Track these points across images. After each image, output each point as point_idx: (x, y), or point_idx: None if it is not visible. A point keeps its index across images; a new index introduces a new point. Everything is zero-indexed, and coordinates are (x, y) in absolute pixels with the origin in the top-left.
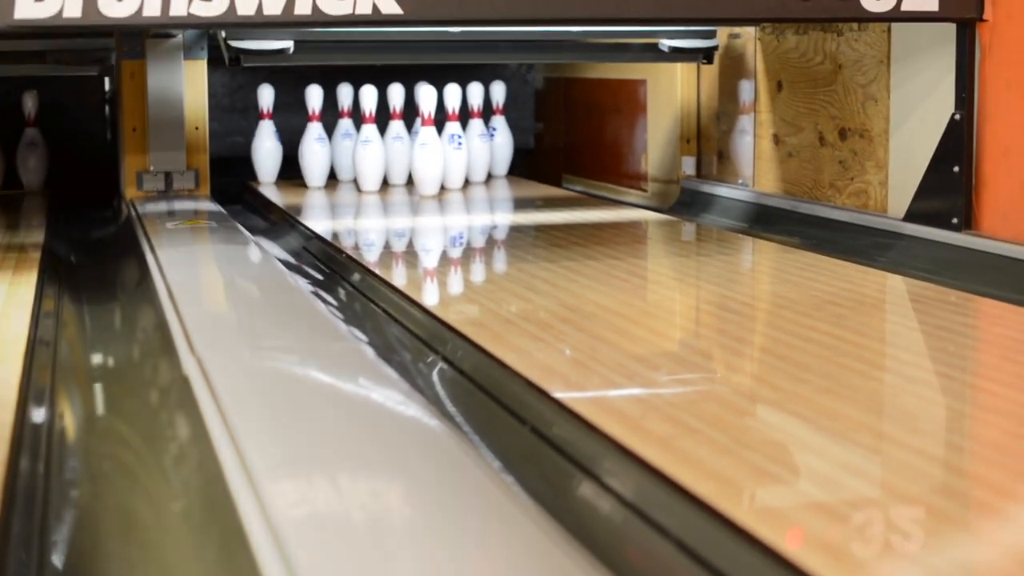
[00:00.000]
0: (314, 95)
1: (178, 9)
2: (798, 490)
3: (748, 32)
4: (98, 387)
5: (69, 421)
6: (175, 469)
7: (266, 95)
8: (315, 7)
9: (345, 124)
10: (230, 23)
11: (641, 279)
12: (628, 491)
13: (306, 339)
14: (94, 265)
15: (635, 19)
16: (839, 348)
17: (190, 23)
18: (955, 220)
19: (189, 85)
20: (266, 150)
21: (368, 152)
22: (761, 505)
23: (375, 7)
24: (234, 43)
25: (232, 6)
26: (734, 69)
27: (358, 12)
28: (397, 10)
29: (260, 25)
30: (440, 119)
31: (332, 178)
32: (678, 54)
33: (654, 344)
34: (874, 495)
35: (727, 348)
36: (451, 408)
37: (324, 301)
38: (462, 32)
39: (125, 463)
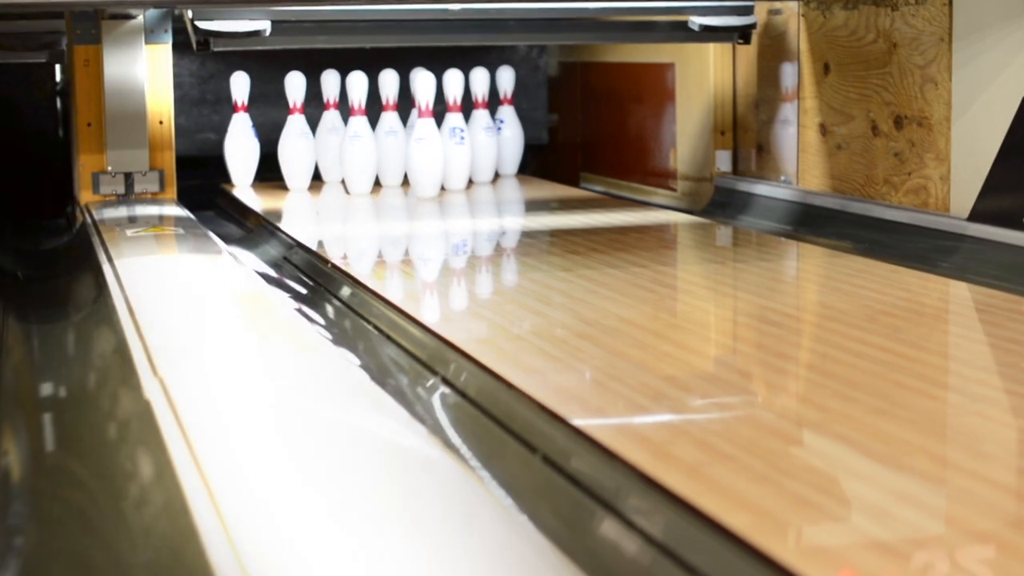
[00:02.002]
0: (295, 84)
1: None
2: (847, 524)
3: (790, 7)
4: (47, 419)
5: (14, 458)
6: (136, 513)
7: (240, 85)
8: None
9: (331, 117)
10: (197, 1)
11: (669, 289)
12: (655, 528)
13: (288, 358)
14: (44, 280)
15: None
16: (894, 364)
17: (151, 1)
18: None
19: (152, 74)
20: (241, 148)
21: (357, 149)
22: (805, 541)
23: None
24: (203, 24)
25: None
26: (774, 50)
27: None
28: None
29: (232, 3)
30: (440, 110)
31: (316, 179)
32: (710, 33)
33: (684, 362)
34: (935, 530)
35: (767, 365)
36: (454, 437)
37: (309, 319)
38: (464, 9)
39: (78, 506)
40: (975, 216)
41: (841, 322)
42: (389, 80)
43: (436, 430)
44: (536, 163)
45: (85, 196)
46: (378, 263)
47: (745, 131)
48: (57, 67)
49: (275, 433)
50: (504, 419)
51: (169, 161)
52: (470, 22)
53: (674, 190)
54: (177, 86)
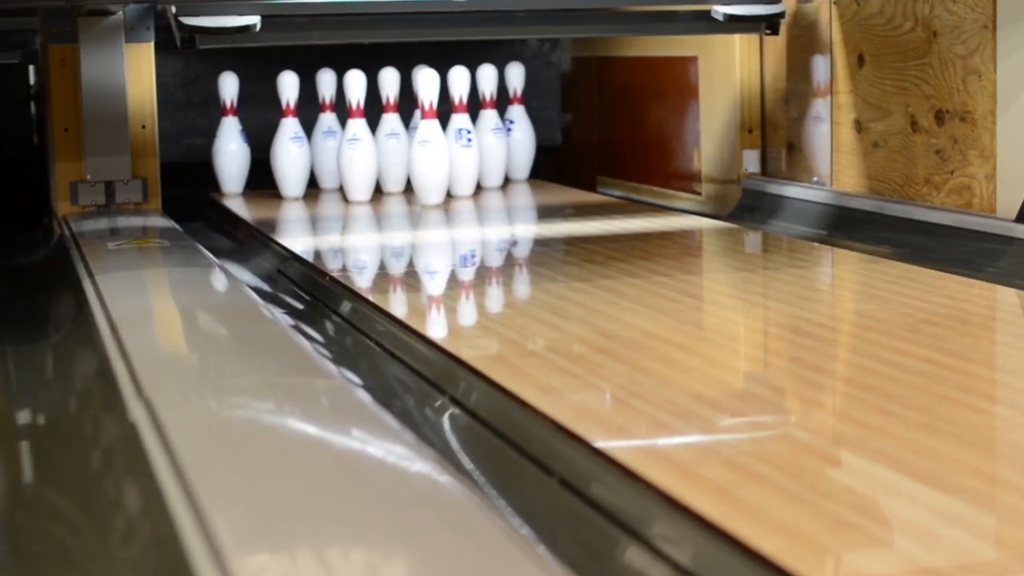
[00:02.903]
0: (288, 84)
1: None
2: (890, 548)
3: None
4: (25, 447)
5: None
6: (122, 546)
7: (229, 85)
8: None
9: (327, 119)
10: None
11: (695, 299)
12: (683, 555)
13: (284, 379)
14: (19, 297)
15: None
16: (937, 376)
17: None
18: None
19: (133, 74)
20: (230, 153)
21: (356, 153)
22: (845, 567)
23: None
24: (187, 20)
25: None
26: (805, 41)
27: None
28: None
29: None
30: (444, 111)
31: (312, 186)
32: (736, 23)
33: (711, 377)
34: (987, 553)
35: (800, 379)
36: (465, 461)
37: (307, 336)
38: (470, 1)
39: (60, 540)
40: None
41: (880, 332)
42: (389, 79)
43: (446, 454)
44: (549, 166)
45: (63, 207)
46: (380, 276)
47: (774, 129)
48: (31, 68)
49: (272, 459)
50: (519, 441)
51: (153, 169)
52: (476, 14)
53: (698, 193)
54: (160, 87)
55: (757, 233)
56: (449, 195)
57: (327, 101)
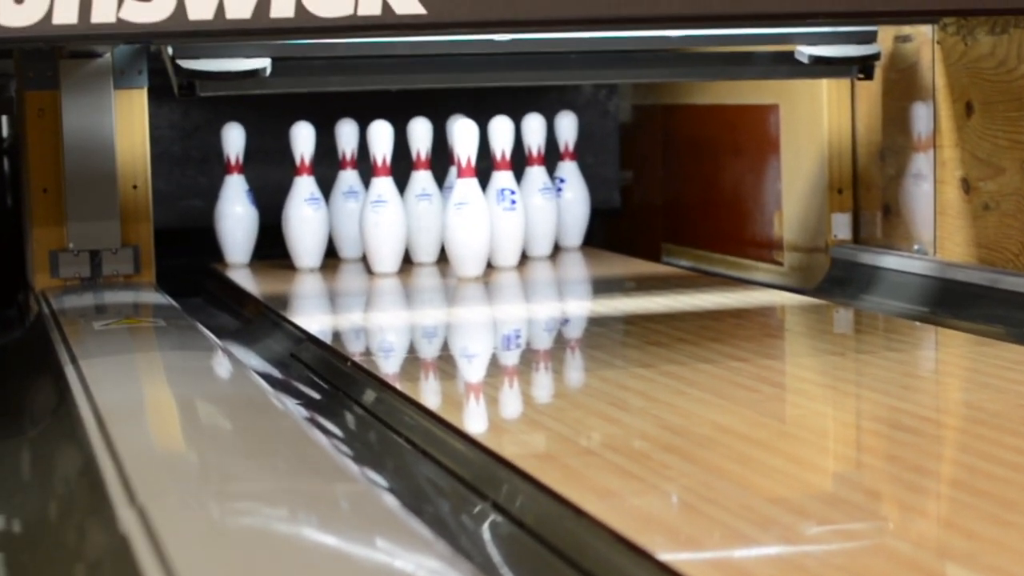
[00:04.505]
0: (303, 137)
1: (103, 14)
2: None
3: (922, 32)
4: None
5: None
6: None
7: (234, 139)
8: (300, 7)
9: (348, 178)
10: (179, 34)
11: (776, 388)
12: None
13: (298, 482)
14: None
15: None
16: None
17: (121, 34)
18: None
19: (123, 126)
20: (235, 217)
21: (382, 217)
22: None
23: (386, 6)
24: (186, 63)
25: (181, 7)
26: (903, 86)
27: (362, 13)
28: (418, 9)
29: (222, 35)
30: (484, 168)
31: (331, 256)
32: (823, 66)
33: (796, 479)
34: None
35: (900, 481)
36: None
37: (324, 431)
38: (513, 40)
39: None
40: None
41: (993, 427)
42: (420, 131)
43: (486, 568)
44: (606, 232)
45: (41, 280)
46: (409, 360)
47: (868, 189)
48: (3, 119)
49: (285, 573)
50: (572, 553)
51: (145, 236)
52: (521, 56)
53: (780, 264)
54: (155, 141)
55: (848, 310)
56: (489, 266)
57: (348, 157)
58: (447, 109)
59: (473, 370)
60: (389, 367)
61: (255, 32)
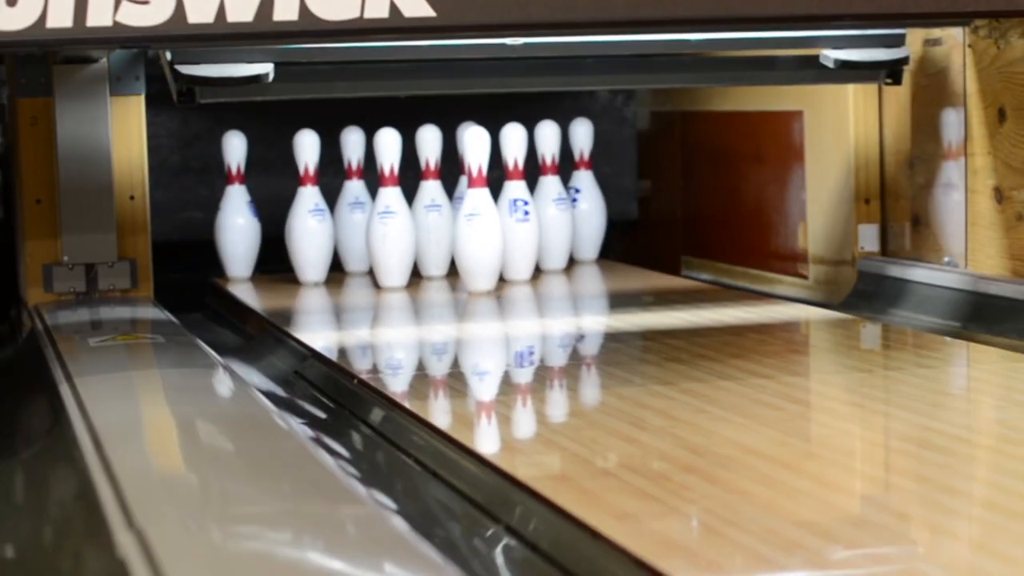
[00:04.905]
0: (307, 146)
1: (99, 17)
2: None
3: (952, 35)
4: None
5: None
6: None
7: (235, 148)
8: (304, 9)
9: (354, 188)
10: (178, 37)
11: (801, 406)
12: None
13: (303, 505)
14: None
15: (789, 18)
16: None
17: (118, 38)
18: None
19: (120, 134)
20: (237, 229)
21: (390, 229)
22: None
23: (394, 8)
24: (185, 69)
25: (180, 10)
26: (933, 92)
27: (369, 16)
28: (427, 12)
29: (223, 39)
30: (496, 177)
31: (336, 269)
32: (850, 70)
33: (823, 501)
34: None
35: (931, 504)
36: None
37: (330, 451)
38: (526, 45)
39: None
40: None
41: None
42: (430, 139)
43: None
44: (623, 244)
45: (34, 295)
46: (419, 378)
47: (896, 199)
48: None
49: None
50: None
51: (143, 249)
52: (535, 61)
53: (804, 277)
54: (153, 150)
55: (876, 325)
56: (502, 280)
57: (354, 166)
58: (457, 116)
59: (485, 388)
60: (397, 385)
61: (257, 36)
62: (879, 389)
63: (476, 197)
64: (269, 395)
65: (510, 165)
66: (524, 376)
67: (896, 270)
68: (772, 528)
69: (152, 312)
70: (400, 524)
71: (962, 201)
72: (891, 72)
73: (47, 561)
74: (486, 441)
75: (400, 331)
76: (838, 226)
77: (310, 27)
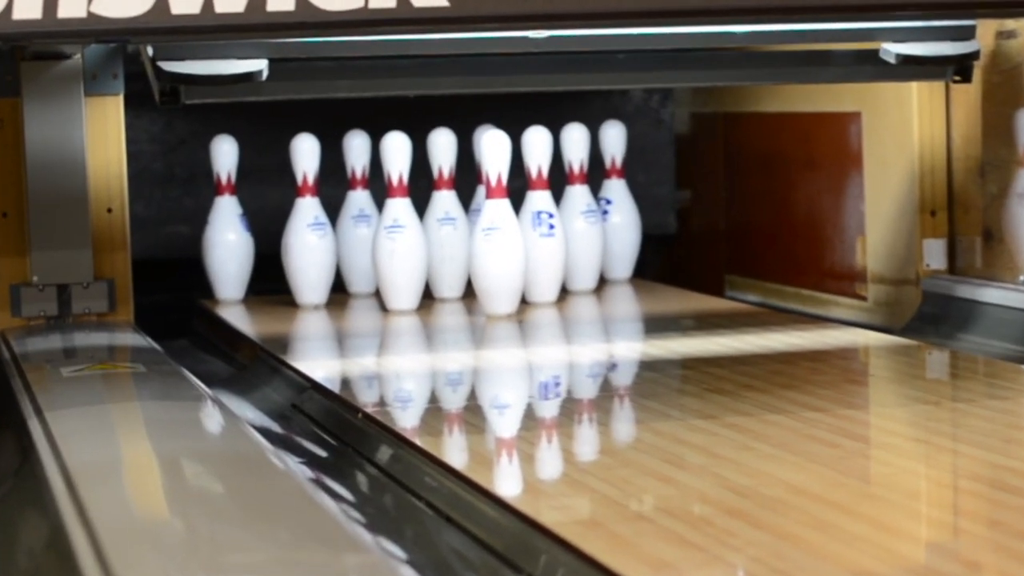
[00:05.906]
0: (306, 152)
1: (72, 7)
2: None
3: None
4: None
5: None
6: None
7: (225, 154)
8: None
9: (359, 199)
10: (160, 30)
11: (859, 442)
12: None
13: (302, 553)
14: None
15: (846, 8)
16: None
17: (93, 31)
18: None
19: (96, 138)
20: (227, 245)
21: (398, 245)
22: None
23: None
24: (169, 66)
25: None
26: (1007, 90)
27: (374, 5)
28: (440, 1)
29: (211, 33)
30: (518, 187)
31: (339, 290)
32: (913, 67)
33: (883, 547)
34: None
35: (1004, 550)
36: None
37: (331, 493)
38: (551, 39)
39: None
40: None
41: None
42: (443, 145)
43: None
44: (660, 262)
45: (1, 320)
46: (431, 412)
47: (966, 210)
48: None
49: None
50: None
51: (122, 267)
52: (561, 57)
53: (863, 298)
54: (133, 157)
55: (943, 352)
56: (524, 302)
57: (358, 175)
58: (474, 119)
59: (505, 423)
60: (407, 420)
61: (249, 28)
62: (946, 423)
63: (495, 209)
64: (263, 431)
65: (533, 173)
66: (549, 409)
67: (965, 290)
68: None
69: (132, 338)
70: (411, 573)
71: None
72: (960, 69)
73: None
74: (506, 482)
75: (410, 359)
76: (900, 241)
77: (308, 18)
